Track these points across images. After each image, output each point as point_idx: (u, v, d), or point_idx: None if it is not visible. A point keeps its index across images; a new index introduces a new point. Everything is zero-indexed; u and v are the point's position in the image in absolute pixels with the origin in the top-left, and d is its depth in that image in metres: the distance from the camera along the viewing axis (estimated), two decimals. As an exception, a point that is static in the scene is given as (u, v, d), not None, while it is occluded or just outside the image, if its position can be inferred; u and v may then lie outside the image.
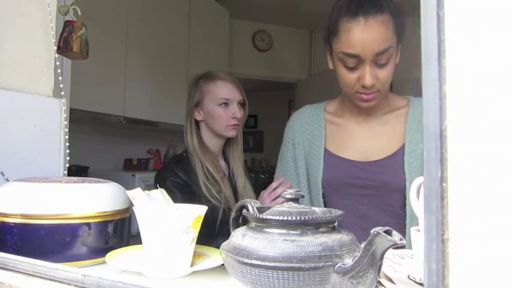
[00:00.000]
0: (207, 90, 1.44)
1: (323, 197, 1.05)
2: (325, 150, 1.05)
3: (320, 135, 1.07)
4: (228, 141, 1.49)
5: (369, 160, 1.01)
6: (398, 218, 0.98)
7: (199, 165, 1.35)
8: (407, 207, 0.95)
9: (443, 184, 0.29)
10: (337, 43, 0.93)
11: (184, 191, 1.29)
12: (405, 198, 0.95)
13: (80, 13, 1.05)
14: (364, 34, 0.87)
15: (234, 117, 1.39)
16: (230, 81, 1.44)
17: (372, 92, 0.92)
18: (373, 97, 0.93)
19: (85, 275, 0.50)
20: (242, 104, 1.44)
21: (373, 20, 0.87)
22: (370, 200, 1.00)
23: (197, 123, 1.48)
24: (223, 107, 1.39)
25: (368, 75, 0.89)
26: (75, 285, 0.51)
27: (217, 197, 1.30)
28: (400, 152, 0.98)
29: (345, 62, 0.92)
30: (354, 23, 0.88)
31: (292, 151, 1.13)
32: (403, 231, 0.95)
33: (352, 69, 0.92)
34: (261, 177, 5.74)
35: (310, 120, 1.11)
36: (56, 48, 1.01)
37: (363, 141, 1.03)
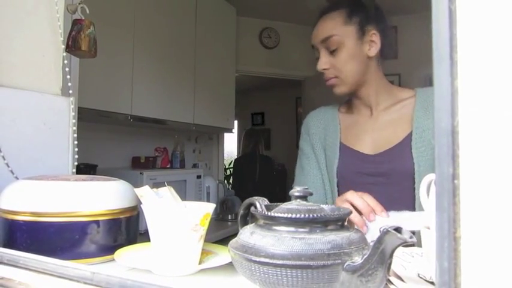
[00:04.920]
0: None
1: (338, 186, 1.12)
2: (340, 143, 1.13)
3: (335, 130, 1.16)
4: None
5: (378, 152, 1.07)
6: (409, 206, 1.00)
7: None
8: (416, 192, 0.99)
9: (455, 181, 0.29)
10: None
11: None
12: (415, 183, 0.99)
13: (88, 11, 1.05)
14: (315, 28, 1.09)
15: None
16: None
17: (330, 78, 1.07)
18: (334, 82, 1.07)
19: (94, 273, 0.50)
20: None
21: (324, 16, 1.08)
22: (382, 188, 1.05)
23: None
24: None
25: (319, 60, 1.07)
26: (84, 283, 0.51)
27: None
28: (407, 138, 1.03)
29: (315, 55, 1.10)
30: (315, 24, 1.10)
31: (309, 141, 1.21)
32: None
33: (317, 59, 1.08)
34: (269, 175, 5.72)
35: (325, 117, 1.21)
36: (64, 46, 1.02)
37: (372, 133, 1.10)
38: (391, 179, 1.04)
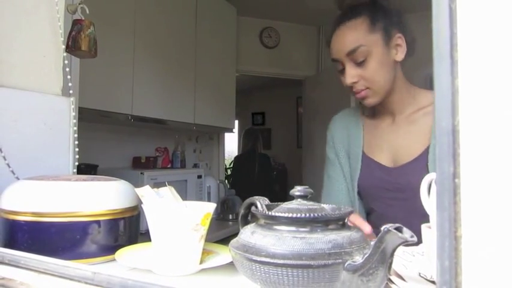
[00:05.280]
0: None
1: (359, 194, 1.10)
2: (363, 152, 1.10)
3: (358, 138, 1.12)
4: None
5: (397, 165, 1.03)
6: (427, 221, 0.97)
7: None
8: None
9: (456, 180, 0.29)
10: None
11: None
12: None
13: (88, 12, 1.05)
14: (335, 39, 1.01)
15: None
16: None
17: (361, 90, 0.99)
18: (365, 94, 1.00)
19: (95, 273, 0.50)
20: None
21: (343, 27, 1.00)
22: (400, 203, 1.01)
23: None
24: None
25: (346, 74, 0.99)
26: (86, 283, 0.51)
27: None
28: (425, 152, 0.98)
29: (336, 68, 1.03)
30: (333, 34, 1.02)
31: (333, 149, 1.18)
32: None
33: (341, 72, 1.02)
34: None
35: (349, 123, 1.16)
36: (64, 47, 1.02)
37: (393, 144, 1.05)
38: (409, 193, 0.98)
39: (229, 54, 3.46)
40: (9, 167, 0.88)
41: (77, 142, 1.03)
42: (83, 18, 1.03)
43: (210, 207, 0.63)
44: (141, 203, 0.67)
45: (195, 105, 2.91)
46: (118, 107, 2.23)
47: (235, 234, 0.54)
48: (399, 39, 0.99)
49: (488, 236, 0.29)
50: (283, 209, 0.51)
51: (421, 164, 0.98)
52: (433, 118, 0.98)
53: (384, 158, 1.06)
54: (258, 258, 0.45)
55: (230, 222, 2.78)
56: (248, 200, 0.60)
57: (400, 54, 0.99)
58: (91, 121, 2.24)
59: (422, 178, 0.96)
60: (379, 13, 0.98)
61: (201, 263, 0.63)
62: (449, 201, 0.29)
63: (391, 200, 1.03)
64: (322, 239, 0.45)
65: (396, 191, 1.02)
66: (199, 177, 2.74)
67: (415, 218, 0.99)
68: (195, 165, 3.32)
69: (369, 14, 0.98)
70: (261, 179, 4.08)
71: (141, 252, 0.68)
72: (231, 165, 6.20)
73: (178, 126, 2.84)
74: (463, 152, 0.29)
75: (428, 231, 0.53)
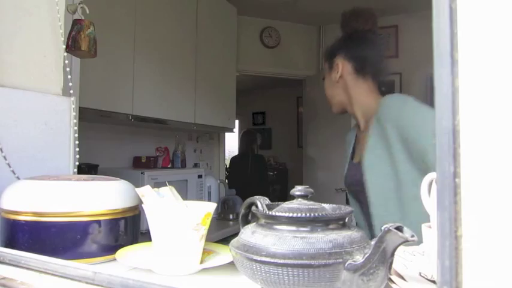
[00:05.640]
0: None
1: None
2: (350, 159, 1.28)
3: (350, 147, 1.31)
4: None
5: (353, 163, 1.23)
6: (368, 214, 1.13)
7: None
8: (371, 204, 1.11)
9: (457, 180, 0.29)
10: None
11: None
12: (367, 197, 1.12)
13: (88, 12, 1.05)
14: None
15: None
16: None
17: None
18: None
19: (96, 272, 0.50)
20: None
21: None
22: (362, 196, 1.18)
23: None
24: None
25: None
26: (86, 282, 0.51)
27: None
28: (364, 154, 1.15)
29: None
30: None
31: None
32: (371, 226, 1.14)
33: None
34: (269, 174, 5.73)
35: (350, 137, 1.35)
36: (64, 47, 1.02)
37: (360, 148, 1.22)
38: (360, 189, 1.16)
39: (230, 54, 3.45)
40: (9, 167, 0.88)
41: (77, 142, 1.03)
42: (83, 18, 1.03)
43: (210, 206, 0.63)
44: (142, 202, 0.67)
45: (195, 105, 2.90)
46: (118, 106, 2.23)
47: (236, 234, 0.54)
48: (337, 65, 1.22)
49: (488, 235, 0.29)
50: (284, 208, 0.51)
51: (359, 164, 1.15)
52: (374, 123, 1.14)
53: (355, 159, 1.25)
54: (259, 258, 0.45)
55: (230, 222, 2.78)
56: (249, 200, 0.60)
57: (336, 75, 1.23)
58: (91, 121, 2.24)
59: (359, 176, 1.13)
60: (330, 48, 1.27)
61: (201, 262, 0.63)
62: (449, 201, 0.29)
63: (356, 194, 1.23)
64: (323, 239, 0.45)
65: (354, 185, 1.21)
66: (200, 177, 2.74)
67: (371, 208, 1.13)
68: (196, 165, 3.32)
69: (327, 48, 1.29)
70: (254, 179, 4.12)
71: (142, 252, 0.68)
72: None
73: (178, 126, 2.84)
74: (463, 152, 0.29)
75: (429, 230, 0.53)
